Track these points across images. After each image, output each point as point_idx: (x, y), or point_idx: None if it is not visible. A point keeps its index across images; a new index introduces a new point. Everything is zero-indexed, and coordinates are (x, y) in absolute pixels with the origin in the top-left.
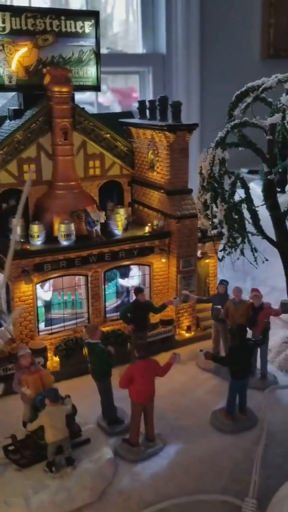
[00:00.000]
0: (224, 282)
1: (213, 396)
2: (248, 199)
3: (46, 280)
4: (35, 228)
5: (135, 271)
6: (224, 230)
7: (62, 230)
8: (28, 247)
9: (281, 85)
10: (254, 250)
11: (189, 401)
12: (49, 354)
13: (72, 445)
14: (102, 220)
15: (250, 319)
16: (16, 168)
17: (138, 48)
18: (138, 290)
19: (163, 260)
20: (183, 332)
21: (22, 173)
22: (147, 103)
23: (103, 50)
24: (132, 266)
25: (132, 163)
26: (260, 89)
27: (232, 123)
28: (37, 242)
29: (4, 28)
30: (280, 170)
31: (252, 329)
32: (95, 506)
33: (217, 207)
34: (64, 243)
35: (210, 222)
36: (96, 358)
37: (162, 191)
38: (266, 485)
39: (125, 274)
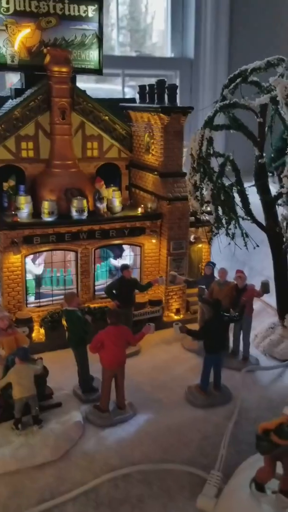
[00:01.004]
0: (210, 264)
1: (192, 374)
2: (238, 182)
3: (35, 253)
4: (22, 200)
5: (127, 252)
6: (212, 210)
7: (46, 207)
8: (18, 219)
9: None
10: (245, 235)
11: (167, 377)
12: (36, 327)
13: (42, 407)
14: (110, 197)
15: (233, 299)
16: (14, 145)
17: (167, 52)
18: (124, 266)
19: (153, 241)
20: (172, 314)
21: (20, 150)
22: (147, 88)
23: (132, 53)
24: (125, 248)
25: (130, 146)
26: (249, 69)
27: (221, 104)
28: (23, 213)
29: (8, 9)
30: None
31: (234, 310)
32: (58, 465)
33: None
34: (48, 219)
35: (199, 204)
36: (72, 325)
37: (155, 173)
38: (234, 460)
39: (118, 255)
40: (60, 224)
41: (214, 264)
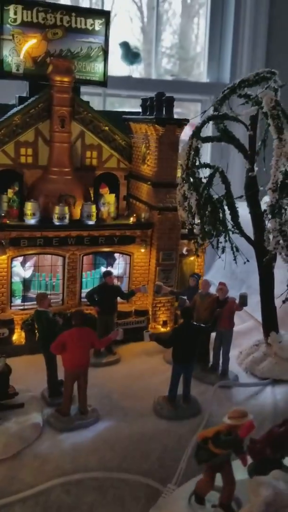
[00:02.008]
0: (195, 276)
1: (167, 385)
2: (228, 194)
3: (21, 255)
4: (29, 206)
5: (119, 260)
6: (197, 221)
7: (29, 208)
8: (7, 221)
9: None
10: (235, 248)
11: (140, 387)
12: (18, 330)
13: (3, 406)
14: (112, 202)
15: (214, 312)
16: (13, 150)
17: (203, 77)
18: (107, 273)
19: (142, 250)
20: (159, 326)
21: (19, 155)
22: (149, 101)
23: (168, 77)
24: (116, 256)
25: (130, 157)
26: (238, 81)
27: (209, 115)
28: (31, 220)
29: (15, 20)
30: None
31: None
32: (8, 463)
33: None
34: (31, 221)
35: (187, 214)
36: (41, 327)
37: (149, 183)
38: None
39: (111, 263)
40: (48, 228)
41: (198, 276)
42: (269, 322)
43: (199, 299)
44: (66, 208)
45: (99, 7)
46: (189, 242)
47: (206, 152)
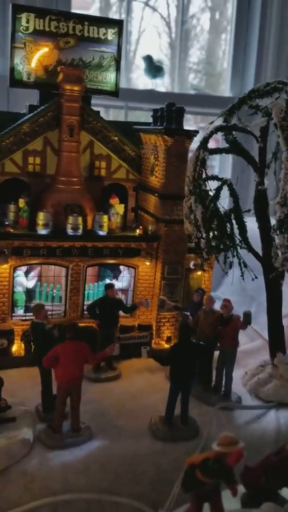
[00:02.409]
0: (199, 291)
1: (165, 404)
2: (236, 208)
3: (24, 265)
4: (41, 216)
5: (125, 273)
6: (202, 234)
7: (40, 218)
8: (11, 230)
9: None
10: (242, 264)
11: (138, 405)
12: (18, 341)
13: None
14: (121, 213)
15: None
16: (21, 159)
17: (227, 92)
18: (108, 285)
19: (147, 263)
20: (163, 342)
21: (27, 164)
22: (159, 111)
23: (191, 91)
24: (122, 268)
25: (139, 168)
26: (248, 92)
27: (217, 125)
28: (43, 231)
29: (27, 28)
30: None
31: (219, 341)
32: None
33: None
34: (43, 232)
35: (193, 227)
36: (36, 339)
37: (156, 194)
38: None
39: (116, 276)
40: (52, 238)
41: (203, 291)
42: (276, 342)
43: (202, 315)
44: (80, 219)
45: (128, 22)
46: (196, 256)
47: (228, 165)
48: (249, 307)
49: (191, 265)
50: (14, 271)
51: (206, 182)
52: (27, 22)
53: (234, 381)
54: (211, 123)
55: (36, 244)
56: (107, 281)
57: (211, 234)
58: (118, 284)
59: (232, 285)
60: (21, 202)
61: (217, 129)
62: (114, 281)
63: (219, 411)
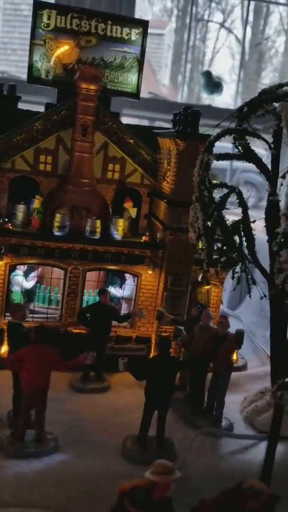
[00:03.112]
0: (198, 306)
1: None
2: (245, 218)
3: (20, 264)
4: (58, 218)
5: (129, 281)
6: (202, 244)
7: (57, 220)
8: (10, 227)
9: None
10: (251, 280)
11: (117, 421)
12: None
13: None
14: (134, 216)
15: (212, 348)
16: (33, 157)
17: None
18: (102, 291)
19: (149, 272)
20: None
21: (38, 162)
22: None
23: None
24: (127, 276)
25: (155, 174)
26: (258, 93)
27: (224, 128)
28: (59, 233)
29: (48, 25)
30: None
31: (213, 361)
32: None
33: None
34: (57, 234)
35: (196, 236)
36: (10, 340)
37: (165, 200)
38: None
39: (122, 284)
40: (50, 238)
41: (203, 306)
42: (279, 368)
43: (198, 331)
44: (98, 222)
45: (203, 43)
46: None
47: None
48: (267, 328)
49: (199, 278)
50: (12, 270)
51: (209, 188)
52: (48, 18)
53: (231, 406)
54: (217, 125)
55: (34, 243)
56: (112, 289)
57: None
58: (120, 292)
59: (251, 305)
60: (37, 203)
61: (225, 132)
62: (117, 289)
63: (205, 437)
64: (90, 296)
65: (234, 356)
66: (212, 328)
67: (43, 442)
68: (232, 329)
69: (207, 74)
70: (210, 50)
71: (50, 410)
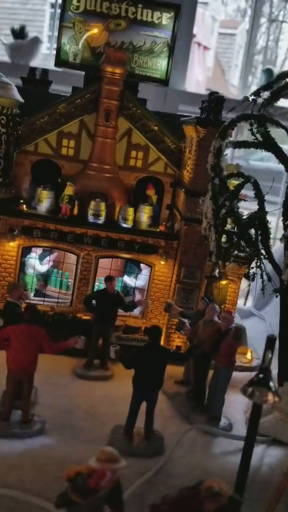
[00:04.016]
0: (205, 299)
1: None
2: (261, 210)
3: (33, 246)
4: (92, 205)
5: (145, 271)
6: (211, 235)
7: (91, 207)
8: (25, 208)
9: None
10: (267, 276)
11: (112, 410)
12: None
13: None
14: (154, 203)
15: (214, 342)
16: (55, 141)
17: None
18: (108, 278)
19: (162, 262)
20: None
21: (61, 146)
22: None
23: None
24: (143, 266)
25: (179, 163)
26: (276, 76)
27: (240, 114)
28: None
29: (78, 7)
30: None
31: (215, 358)
32: None
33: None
34: (91, 221)
35: (206, 227)
36: (5, 318)
37: (183, 190)
38: None
39: (136, 273)
40: (62, 221)
41: (209, 299)
42: (286, 370)
43: (202, 325)
44: (103, 204)
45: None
46: (223, 264)
47: None
48: None
49: (216, 272)
50: (26, 253)
51: (226, 178)
52: (78, 1)
53: (237, 406)
54: (232, 109)
55: (47, 226)
56: (125, 278)
57: (224, 237)
58: (132, 282)
59: (277, 306)
60: (69, 189)
61: (240, 118)
62: (131, 279)
63: (199, 435)
64: (101, 283)
65: (249, 356)
66: (216, 322)
67: (29, 423)
68: (254, 330)
69: (268, 72)
70: (283, 51)
71: (46, 393)
